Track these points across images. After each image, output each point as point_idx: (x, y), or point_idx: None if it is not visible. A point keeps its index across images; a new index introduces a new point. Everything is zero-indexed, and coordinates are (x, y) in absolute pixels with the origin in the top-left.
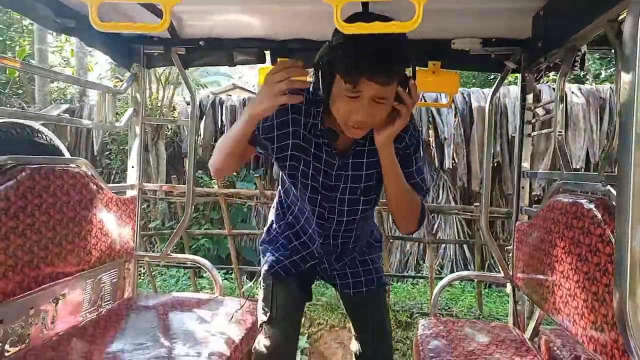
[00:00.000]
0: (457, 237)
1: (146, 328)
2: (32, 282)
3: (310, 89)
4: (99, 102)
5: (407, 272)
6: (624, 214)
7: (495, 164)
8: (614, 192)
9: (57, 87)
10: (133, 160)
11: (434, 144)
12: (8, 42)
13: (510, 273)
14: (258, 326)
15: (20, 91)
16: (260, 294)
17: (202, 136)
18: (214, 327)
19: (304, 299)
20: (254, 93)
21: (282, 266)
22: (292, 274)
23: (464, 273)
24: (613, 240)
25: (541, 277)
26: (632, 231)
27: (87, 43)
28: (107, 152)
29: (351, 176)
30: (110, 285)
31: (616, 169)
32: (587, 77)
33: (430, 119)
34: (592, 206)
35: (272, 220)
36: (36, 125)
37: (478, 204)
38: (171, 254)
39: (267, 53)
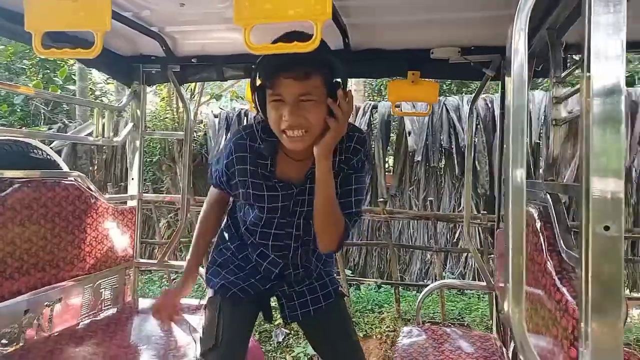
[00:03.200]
0: (479, 246)
1: (132, 332)
2: (23, 287)
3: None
4: (96, 118)
5: (427, 281)
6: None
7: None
8: (550, 199)
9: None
10: (134, 172)
11: (455, 151)
12: (58, 62)
13: (493, 282)
14: (199, 356)
15: (67, 108)
16: (203, 321)
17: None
18: (183, 334)
19: (254, 318)
20: None
21: (239, 288)
22: (248, 296)
23: (448, 281)
24: (549, 248)
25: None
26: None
27: (88, 64)
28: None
29: (307, 200)
30: (111, 291)
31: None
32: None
33: (452, 126)
34: (535, 214)
35: (226, 241)
36: (33, 141)
37: (485, 212)
38: (168, 260)
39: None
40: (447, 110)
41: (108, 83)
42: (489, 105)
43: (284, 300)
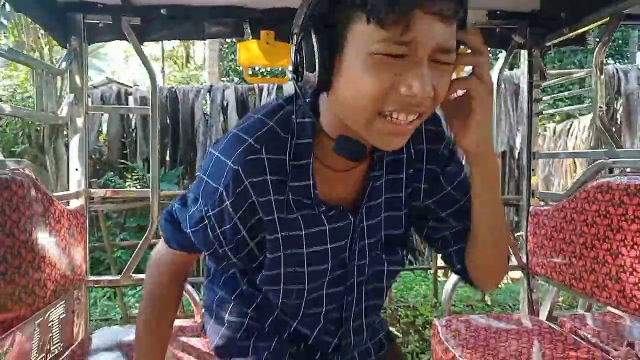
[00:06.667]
0: None
1: None
2: None
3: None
4: (35, 84)
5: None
6: None
7: (510, 147)
8: None
9: None
10: (76, 161)
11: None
12: None
13: (524, 260)
14: None
15: None
16: None
17: (105, 132)
18: None
19: None
20: (130, 87)
21: None
22: None
23: None
24: None
25: (574, 260)
26: None
27: (15, 7)
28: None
29: (367, 229)
30: (59, 324)
31: None
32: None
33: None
34: None
35: (229, 310)
36: None
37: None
38: (133, 275)
39: (246, 26)
40: None
41: None
42: None
43: None
